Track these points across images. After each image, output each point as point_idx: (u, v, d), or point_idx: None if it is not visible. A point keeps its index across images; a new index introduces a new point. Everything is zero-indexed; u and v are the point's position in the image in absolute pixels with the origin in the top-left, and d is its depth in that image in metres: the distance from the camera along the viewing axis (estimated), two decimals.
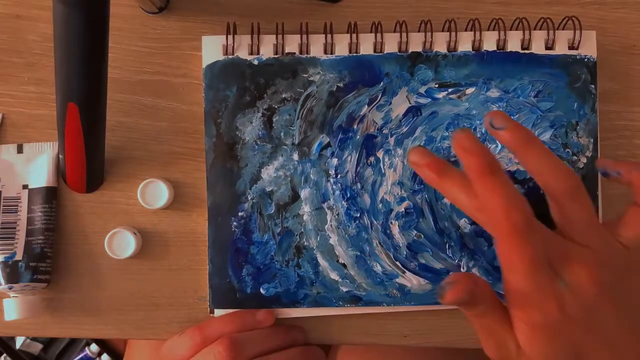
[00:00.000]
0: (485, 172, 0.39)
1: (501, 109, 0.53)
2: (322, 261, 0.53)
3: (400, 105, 0.53)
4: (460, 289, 0.40)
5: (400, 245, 0.53)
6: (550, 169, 0.41)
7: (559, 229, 0.43)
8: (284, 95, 0.53)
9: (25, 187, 0.55)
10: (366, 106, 0.53)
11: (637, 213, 0.44)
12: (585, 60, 0.53)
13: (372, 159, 0.53)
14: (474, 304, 0.41)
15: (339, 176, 0.53)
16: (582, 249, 0.41)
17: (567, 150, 0.53)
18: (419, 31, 0.54)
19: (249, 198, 0.53)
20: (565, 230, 0.42)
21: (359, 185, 0.53)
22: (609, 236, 0.43)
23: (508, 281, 0.40)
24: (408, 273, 0.53)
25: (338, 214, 0.53)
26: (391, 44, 0.54)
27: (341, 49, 0.54)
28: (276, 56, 0.54)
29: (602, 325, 0.40)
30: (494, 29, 0.54)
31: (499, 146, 0.53)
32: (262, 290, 0.53)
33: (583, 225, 0.42)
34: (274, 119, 0.53)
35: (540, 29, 0.54)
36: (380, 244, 0.53)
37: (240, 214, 0.53)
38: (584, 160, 0.53)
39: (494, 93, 0.53)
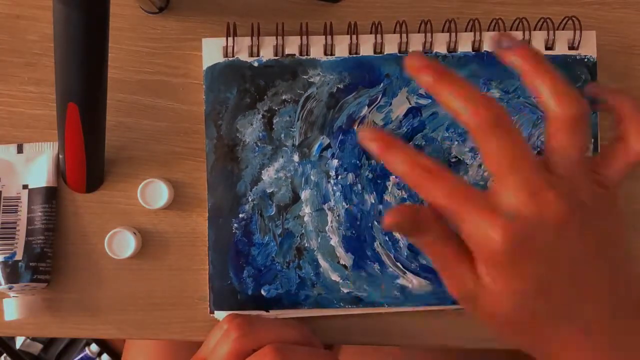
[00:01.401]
0: (440, 79, 0.38)
1: None
2: (322, 262, 0.53)
3: (400, 106, 0.53)
4: (395, 214, 0.38)
5: (401, 246, 0.53)
6: (556, 92, 0.39)
7: (545, 154, 0.40)
8: (284, 97, 0.53)
9: (25, 187, 0.55)
10: (366, 107, 0.53)
11: (619, 148, 0.42)
12: (585, 60, 0.53)
13: (372, 160, 0.53)
14: (417, 231, 0.39)
15: (339, 177, 0.53)
16: (557, 178, 0.38)
17: None
18: (418, 31, 0.54)
19: (250, 199, 0.53)
20: (548, 157, 0.40)
21: (359, 186, 0.53)
22: (589, 174, 0.41)
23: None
24: (409, 274, 0.53)
25: (339, 215, 0.53)
26: (391, 45, 0.54)
27: (341, 50, 0.54)
28: (276, 58, 0.54)
29: (569, 259, 0.38)
30: (494, 29, 0.54)
31: None
32: (263, 292, 0.53)
33: (566, 159, 0.39)
34: (274, 121, 0.53)
35: (540, 29, 0.54)
36: (381, 244, 0.53)
37: (240, 215, 0.53)
38: None
39: (494, 94, 0.53)
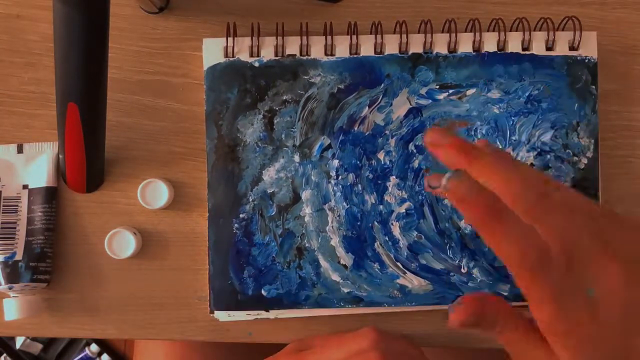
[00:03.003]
0: (488, 221, 0.36)
1: (502, 110, 0.53)
2: (323, 262, 0.53)
3: (401, 106, 0.53)
4: (463, 312, 0.38)
5: (401, 246, 0.53)
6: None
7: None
8: (284, 97, 0.53)
9: (25, 187, 0.55)
10: (367, 107, 0.53)
11: None
12: (586, 61, 0.53)
13: (373, 160, 0.53)
14: (486, 326, 0.39)
15: (339, 177, 0.53)
16: (592, 242, 0.38)
17: (567, 151, 0.53)
18: (419, 31, 0.54)
19: (250, 200, 0.53)
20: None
21: (359, 186, 0.53)
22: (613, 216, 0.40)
23: (537, 312, 0.38)
24: (409, 274, 0.53)
25: (339, 216, 0.53)
26: (392, 45, 0.54)
27: (342, 50, 0.54)
28: (277, 58, 0.54)
29: None
30: (494, 29, 0.54)
31: (500, 147, 0.53)
32: (263, 292, 0.53)
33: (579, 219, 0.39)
34: (275, 121, 0.53)
35: (540, 29, 0.54)
36: (381, 245, 0.53)
37: (241, 215, 0.53)
38: (585, 161, 0.53)
39: (494, 94, 0.53)
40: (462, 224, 0.53)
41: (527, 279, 0.37)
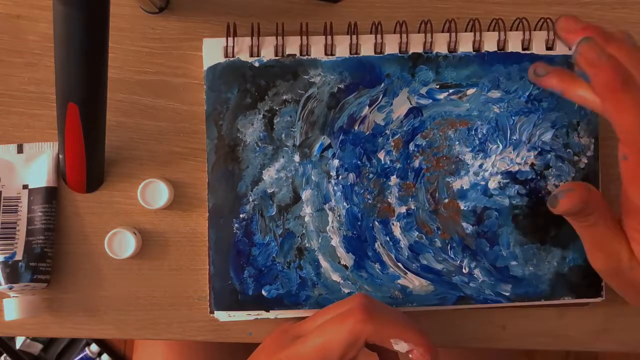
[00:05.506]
0: (615, 89, 0.39)
1: (502, 110, 0.53)
2: (323, 263, 0.53)
3: (401, 106, 0.53)
4: (575, 198, 0.41)
5: (402, 246, 0.53)
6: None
7: None
8: (284, 97, 0.53)
9: (25, 187, 0.55)
10: (367, 107, 0.53)
11: None
12: None
13: (373, 160, 0.53)
14: (586, 214, 0.42)
15: (340, 177, 0.53)
16: None
17: (568, 150, 0.53)
18: (419, 31, 0.54)
19: (251, 200, 0.53)
20: None
21: (360, 186, 0.53)
22: None
23: (630, 196, 0.41)
24: (410, 274, 0.53)
25: (339, 216, 0.53)
26: (392, 45, 0.54)
27: (342, 50, 0.54)
28: (277, 58, 0.54)
29: None
30: (494, 29, 0.54)
31: (500, 146, 0.53)
32: (263, 292, 0.53)
33: None
34: (275, 121, 0.53)
35: (540, 29, 0.54)
36: (382, 245, 0.53)
37: (241, 215, 0.53)
38: (585, 160, 0.53)
39: (495, 93, 0.53)
40: (463, 224, 0.53)
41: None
